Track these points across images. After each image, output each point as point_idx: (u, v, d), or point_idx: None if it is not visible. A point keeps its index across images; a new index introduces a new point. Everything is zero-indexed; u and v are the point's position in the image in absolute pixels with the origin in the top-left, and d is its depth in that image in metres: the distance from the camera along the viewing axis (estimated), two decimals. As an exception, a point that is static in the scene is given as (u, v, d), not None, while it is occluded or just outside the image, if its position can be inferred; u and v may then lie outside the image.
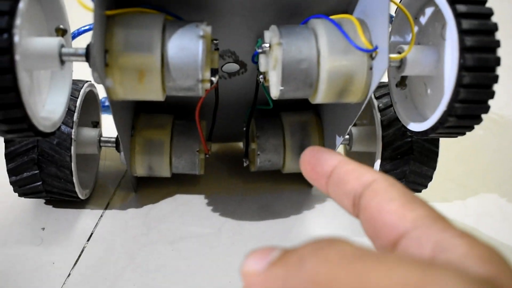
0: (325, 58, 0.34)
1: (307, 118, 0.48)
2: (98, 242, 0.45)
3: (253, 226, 0.47)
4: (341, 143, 0.43)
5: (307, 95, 0.36)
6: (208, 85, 0.34)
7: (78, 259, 0.43)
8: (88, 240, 0.45)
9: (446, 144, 0.47)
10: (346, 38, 0.34)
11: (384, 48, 0.32)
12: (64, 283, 0.41)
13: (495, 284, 0.17)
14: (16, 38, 0.29)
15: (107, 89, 0.33)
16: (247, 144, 0.48)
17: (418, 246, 0.20)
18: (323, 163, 0.26)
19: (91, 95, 0.48)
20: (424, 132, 0.37)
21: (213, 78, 0.34)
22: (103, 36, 0.32)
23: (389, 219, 0.21)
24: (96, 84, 0.48)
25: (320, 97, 0.36)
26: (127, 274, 0.42)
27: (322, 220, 0.48)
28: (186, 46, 0.33)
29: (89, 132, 0.46)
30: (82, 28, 0.49)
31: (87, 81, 0.47)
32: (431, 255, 0.19)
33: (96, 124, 0.48)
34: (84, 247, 0.44)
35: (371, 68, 0.35)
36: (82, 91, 0.45)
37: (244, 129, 0.48)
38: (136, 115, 0.46)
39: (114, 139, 0.47)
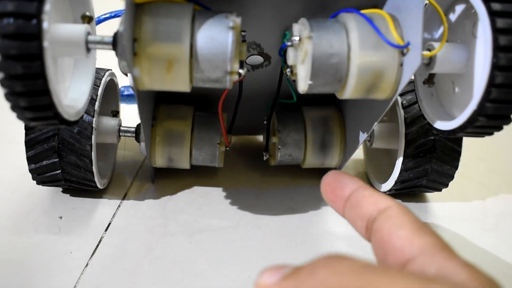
0: (355, 53, 0.33)
1: (329, 113, 0.47)
2: (115, 232, 0.45)
3: (272, 220, 0.47)
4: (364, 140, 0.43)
5: (335, 90, 0.35)
6: (236, 77, 0.33)
7: (96, 249, 0.43)
8: (105, 230, 0.45)
9: (465, 143, 0.47)
10: (377, 33, 0.33)
11: (417, 45, 0.32)
12: (82, 273, 0.40)
13: None
14: (45, 24, 0.29)
15: (134, 79, 0.33)
16: (267, 138, 0.47)
17: (422, 271, 0.21)
18: (343, 186, 0.28)
19: (111, 84, 0.48)
20: (452, 131, 0.37)
21: (241, 70, 0.34)
22: (132, 24, 0.32)
23: (399, 244, 0.23)
24: (117, 73, 0.48)
25: (348, 93, 0.35)
26: (145, 265, 0.41)
27: (340, 217, 0.48)
28: (216, 37, 0.32)
29: (109, 121, 0.46)
30: (103, 16, 0.49)
31: (108, 70, 0.46)
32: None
33: (116, 114, 0.48)
34: (102, 237, 0.44)
35: (401, 65, 0.34)
36: (103, 79, 0.44)
37: (265, 122, 0.48)
38: (156, 106, 0.46)
39: (133, 129, 0.46)
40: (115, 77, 0.49)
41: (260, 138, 0.59)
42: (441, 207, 0.50)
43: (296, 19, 0.37)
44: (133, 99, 0.53)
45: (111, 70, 0.47)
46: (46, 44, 0.29)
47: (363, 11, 0.35)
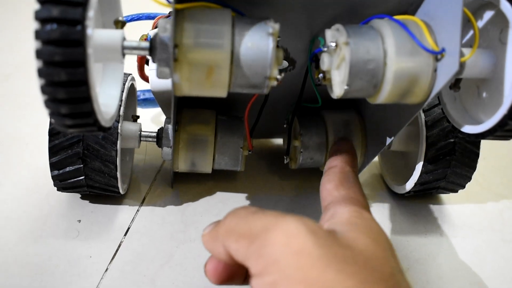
0: (392, 59, 0.34)
1: (350, 117, 0.48)
2: (135, 237, 0.44)
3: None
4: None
5: (369, 95, 0.36)
6: (274, 83, 0.33)
7: (115, 254, 0.42)
8: (125, 235, 0.44)
9: (482, 154, 0.47)
10: (413, 39, 0.34)
11: (454, 51, 0.32)
12: (102, 278, 0.40)
13: (333, 235, 0.27)
14: (89, 31, 0.28)
15: (174, 85, 0.33)
16: (288, 142, 0.47)
17: (327, 212, 0.32)
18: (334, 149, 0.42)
19: (131, 89, 0.48)
20: (481, 135, 0.37)
21: (278, 76, 0.34)
22: (174, 30, 0.31)
23: (324, 194, 0.35)
24: (135, 77, 0.47)
25: (382, 98, 0.35)
26: (165, 271, 0.41)
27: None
28: (256, 43, 0.32)
29: (130, 126, 0.45)
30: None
31: (129, 74, 0.46)
32: (328, 218, 0.31)
33: (136, 118, 0.48)
34: (121, 242, 0.44)
35: (435, 70, 0.34)
36: (126, 84, 0.44)
37: (285, 126, 0.48)
38: (179, 110, 0.45)
39: (154, 134, 0.46)
40: (135, 81, 0.48)
41: (276, 141, 0.59)
42: (461, 217, 0.51)
43: (326, 25, 0.37)
44: (149, 103, 0.52)
45: (131, 74, 0.46)
46: (90, 50, 0.28)
47: (396, 17, 0.35)
